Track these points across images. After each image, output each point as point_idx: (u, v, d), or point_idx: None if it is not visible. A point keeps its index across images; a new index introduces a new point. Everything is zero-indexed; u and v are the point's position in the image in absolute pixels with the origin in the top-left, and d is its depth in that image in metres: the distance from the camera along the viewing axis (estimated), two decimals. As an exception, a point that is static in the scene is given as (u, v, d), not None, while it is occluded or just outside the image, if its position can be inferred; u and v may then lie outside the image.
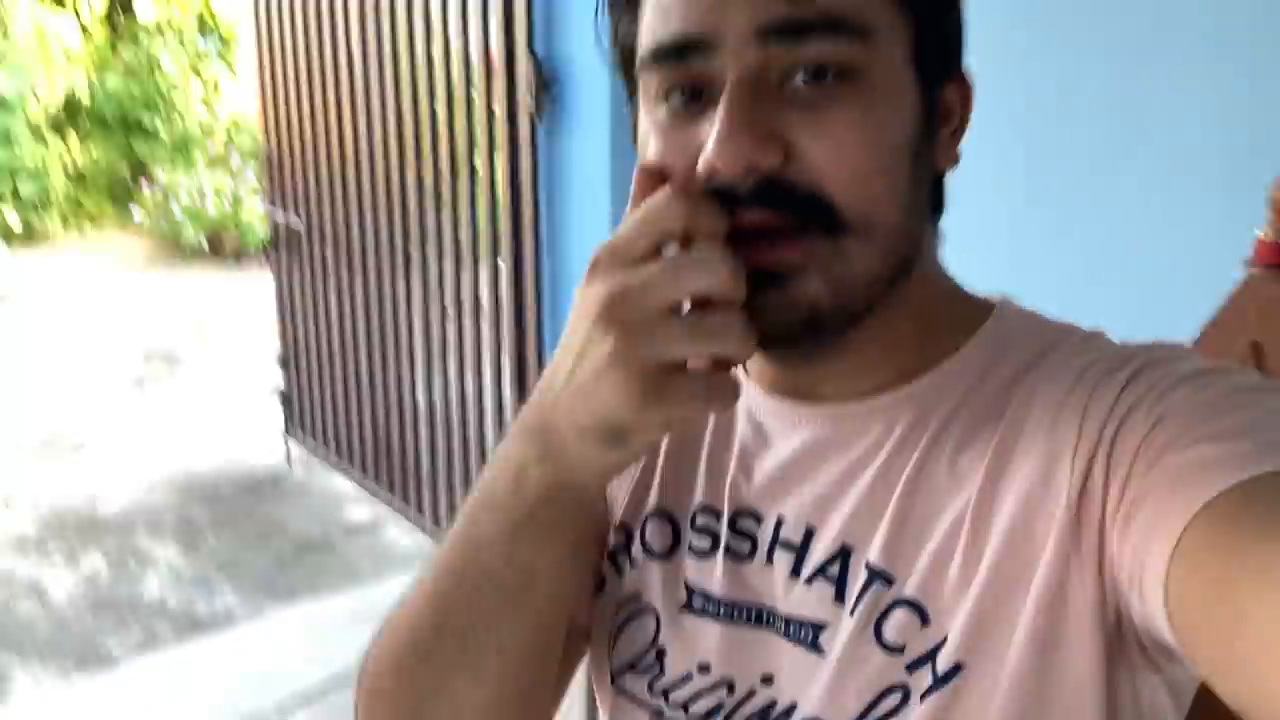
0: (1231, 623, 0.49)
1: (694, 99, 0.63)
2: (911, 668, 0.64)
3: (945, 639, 0.63)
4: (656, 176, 0.64)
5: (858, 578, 0.67)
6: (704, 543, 0.75)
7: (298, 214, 4.14)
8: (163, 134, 9.28)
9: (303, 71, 3.89)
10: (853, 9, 0.61)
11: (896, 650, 0.65)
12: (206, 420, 5.54)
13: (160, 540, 4.27)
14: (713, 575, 0.74)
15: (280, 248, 4.37)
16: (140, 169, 9.28)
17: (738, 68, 0.60)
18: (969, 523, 0.64)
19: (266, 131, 4.27)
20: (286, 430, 4.64)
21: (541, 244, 2.97)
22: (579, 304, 0.62)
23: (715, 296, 0.59)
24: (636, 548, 0.78)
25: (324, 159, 3.88)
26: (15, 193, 8.58)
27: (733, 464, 0.75)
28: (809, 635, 0.69)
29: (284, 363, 4.57)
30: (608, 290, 0.59)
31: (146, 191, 8.90)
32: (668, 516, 0.77)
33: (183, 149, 9.27)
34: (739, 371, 0.75)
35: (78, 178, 9.26)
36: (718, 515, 0.75)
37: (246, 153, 8.63)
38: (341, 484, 4.40)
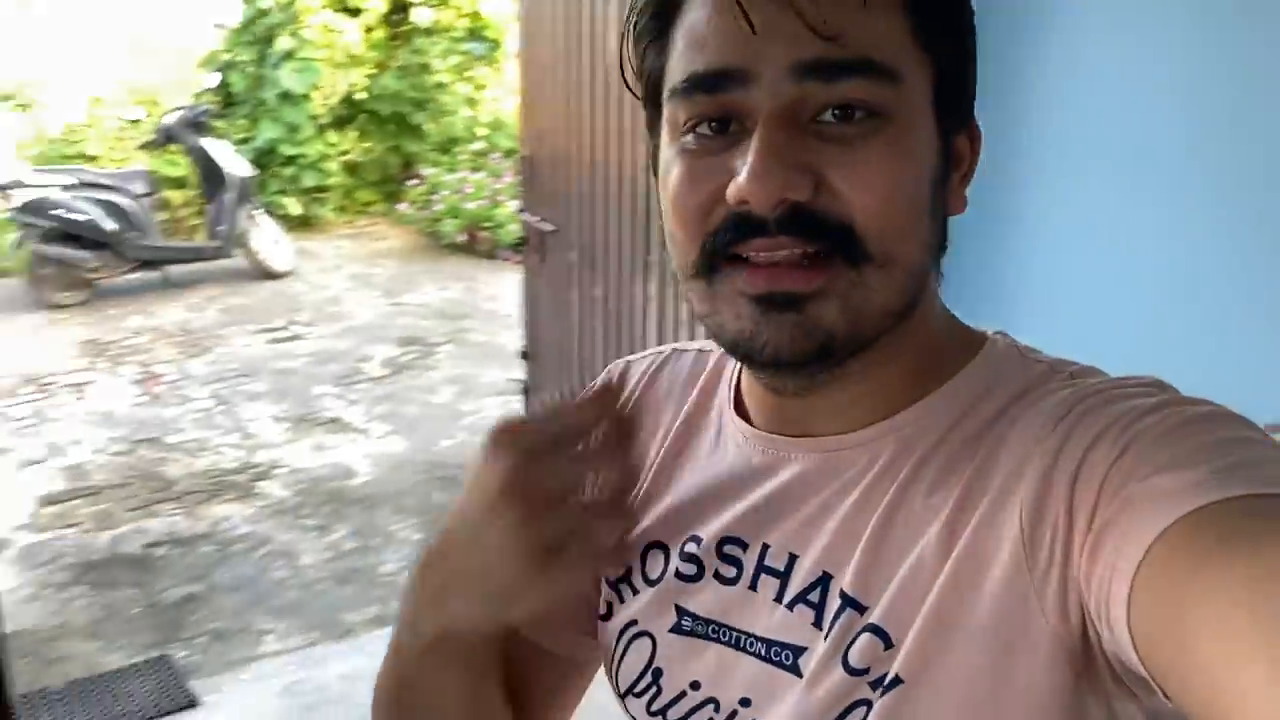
0: (1184, 645, 0.51)
1: (722, 130, 0.65)
2: (875, 685, 0.66)
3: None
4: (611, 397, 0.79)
5: (833, 604, 0.69)
6: (691, 569, 0.78)
7: (548, 218, 4.30)
8: (429, 132, 9.80)
9: (560, 82, 4.04)
10: (885, 53, 0.63)
11: (860, 673, 0.67)
12: (452, 406, 5.83)
13: (403, 518, 4.52)
14: (700, 599, 0.77)
15: (531, 248, 4.55)
16: (407, 164, 9.83)
17: (772, 102, 0.63)
18: (933, 551, 0.66)
19: (524, 139, 4.46)
20: (524, 422, 4.82)
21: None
22: (480, 475, 0.71)
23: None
24: (637, 578, 0.81)
25: (575, 166, 4.02)
26: (296, 182, 9.25)
27: (722, 494, 0.78)
28: (789, 658, 0.71)
29: (526, 356, 4.75)
30: (512, 468, 0.69)
31: (412, 186, 9.42)
32: (661, 546, 0.80)
33: (447, 147, 9.76)
34: (729, 411, 0.80)
35: (352, 170, 9.89)
36: (703, 543, 0.78)
37: (505, 153, 9.00)
38: (572, 479, 4.54)
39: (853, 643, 0.67)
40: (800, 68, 0.62)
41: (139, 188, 7.63)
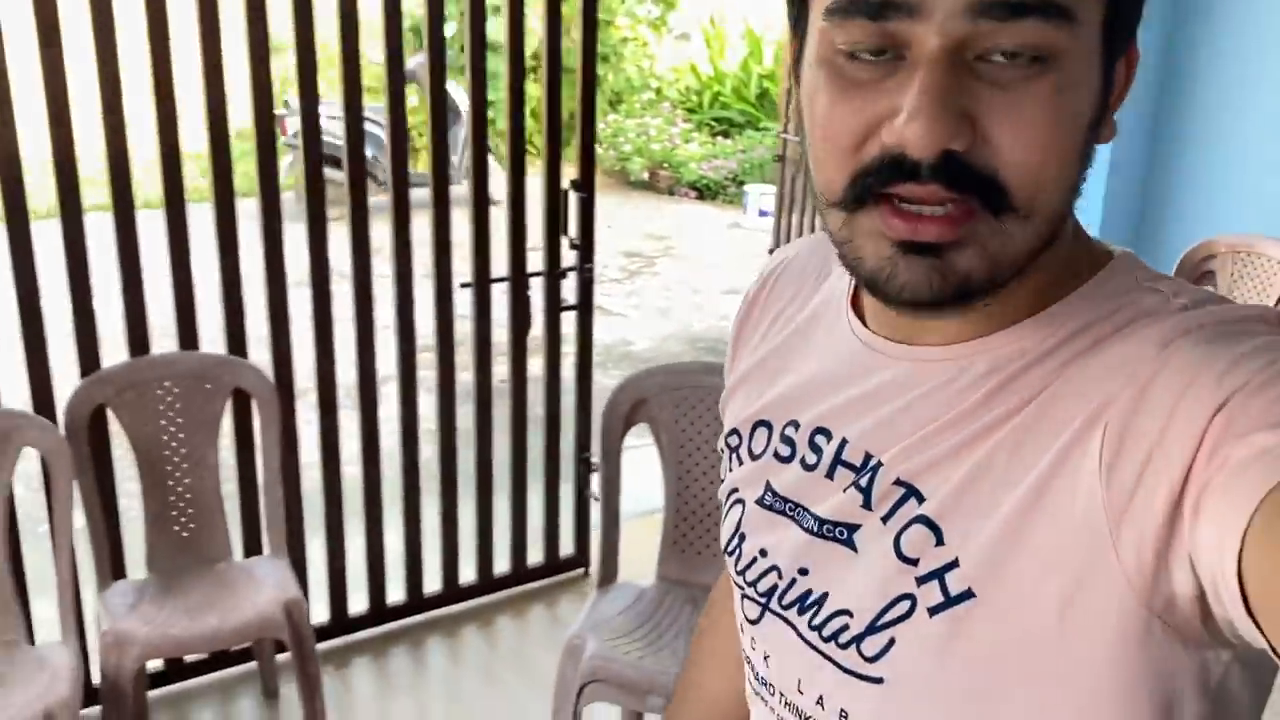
0: None
1: (876, 57, 0.61)
2: (921, 580, 0.68)
3: (956, 561, 0.66)
4: None
5: (890, 490, 0.71)
6: (786, 450, 0.80)
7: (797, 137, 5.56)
8: (611, 81, 11.11)
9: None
10: None
11: (910, 562, 0.68)
12: (689, 299, 7.20)
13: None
14: (784, 478, 0.80)
15: (784, 162, 5.84)
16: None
17: (941, 39, 0.58)
18: (1004, 463, 0.65)
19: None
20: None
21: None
22: None
23: None
24: (744, 450, 0.85)
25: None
26: (494, 124, 10.58)
27: (823, 386, 0.79)
28: (843, 533, 0.73)
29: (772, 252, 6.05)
30: None
31: (601, 128, 10.77)
32: (767, 424, 0.83)
33: (619, 98, 11.06)
34: (846, 306, 0.80)
35: (535, 115, 11.21)
36: (800, 429, 0.80)
37: (673, 103, 10.27)
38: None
39: (905, 529, 0.69)
40: (977, 5, 0.57)
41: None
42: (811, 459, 0.78)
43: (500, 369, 3.21)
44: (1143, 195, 4.04)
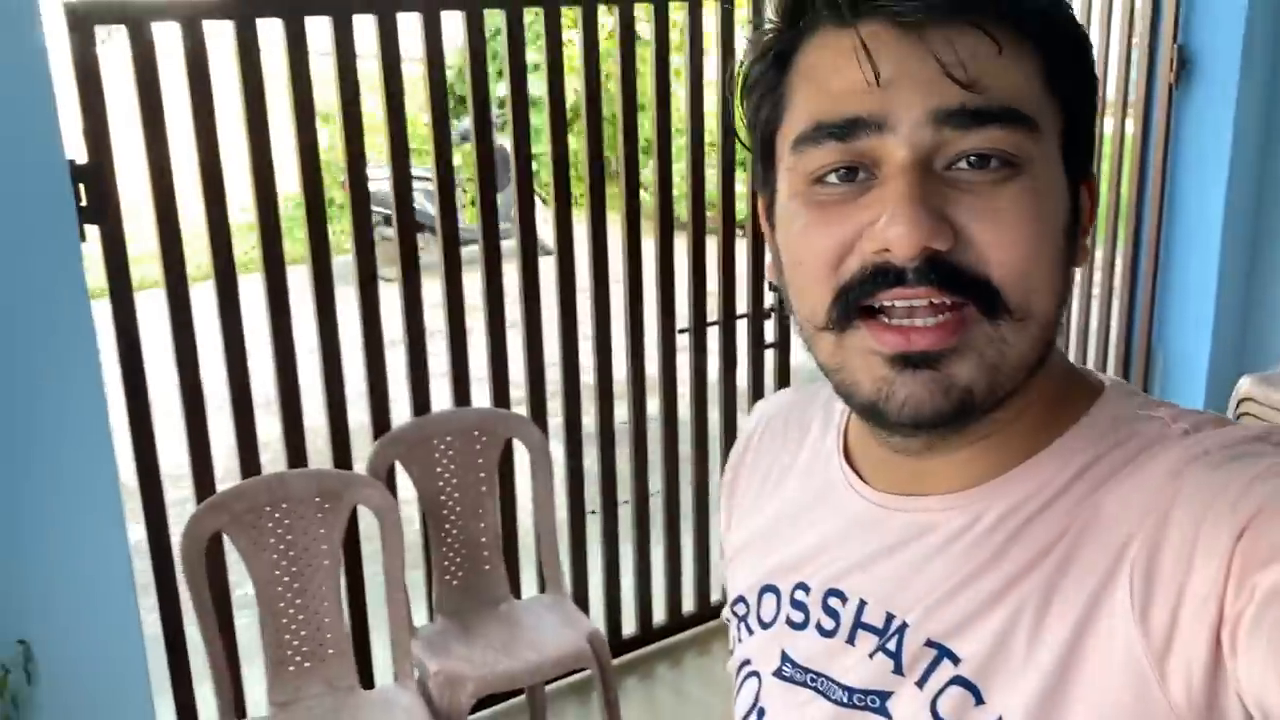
0: None
1: (849, 178, 0.63)
2: None
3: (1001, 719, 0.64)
4: None
5: (922, 652, 0.68)
6: (799, 616, 0.78)
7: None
8: (646, 129, 11.35)
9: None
10: (1024, 99, 0.62)
11: None
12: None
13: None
14: (802, 646, 0.77)
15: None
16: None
17: (910, 150, 0.60)
18: (1034, 613, 0.64)
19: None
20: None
21: (1165, 210, 3.92)
22: None
23: None
24: (753, 619, 0.82)
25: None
26: (537, 177, 10.82)
27: (830, 546, 0.77)
28: (876, 702, 0.71)
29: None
30: None
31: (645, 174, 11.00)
32: (773, 590, 0.81)
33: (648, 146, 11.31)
34: (840, 460, 0.79)
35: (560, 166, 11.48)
36: (810, 592, 0.77)
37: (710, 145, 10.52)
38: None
39: (942, 692, 0.67)
40: (940, 115, 0.60)
41: (445, 179, 9.24)
42: (829, 624, 0.75)
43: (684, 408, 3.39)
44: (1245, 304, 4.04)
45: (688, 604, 3.49)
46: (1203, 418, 0.67)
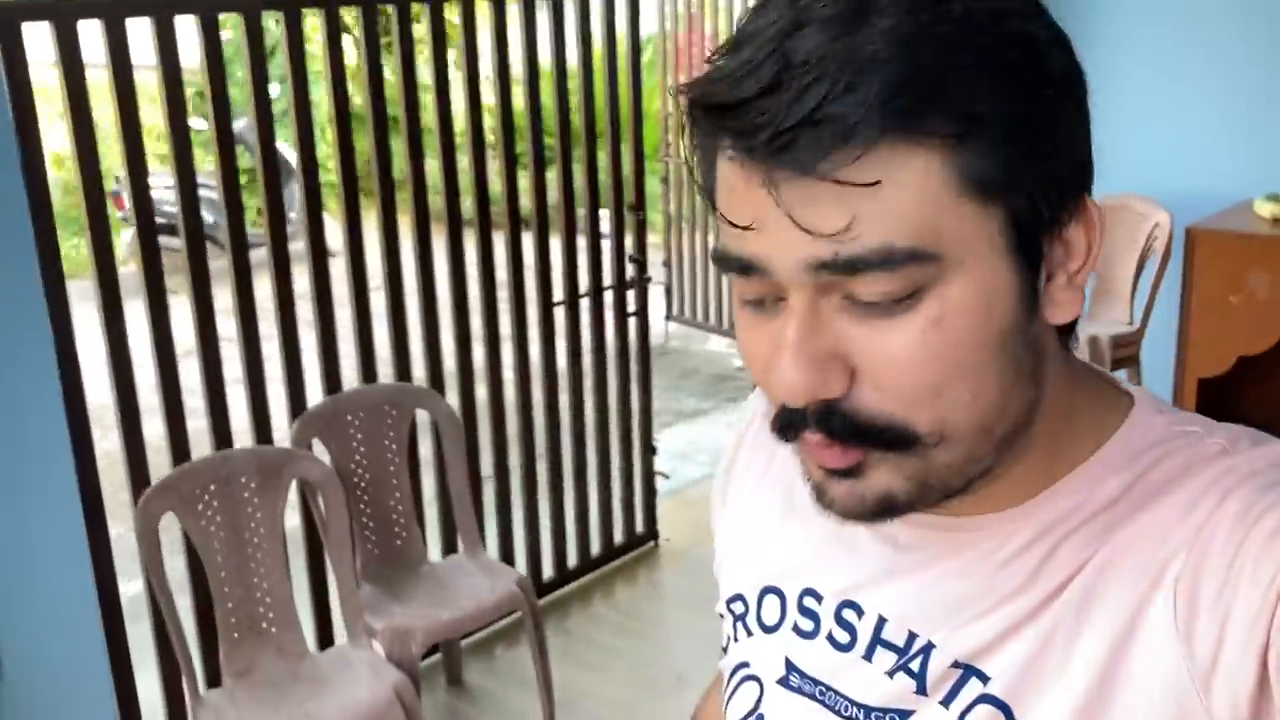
0: None
1: (760, 304, 0.61)
2: None
3: None
4: None
5: (948, 673, 0.67)
6: (808, 624, 0.75)
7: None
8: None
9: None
10: (915, 232, 0.55)
11: None
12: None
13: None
14: (811, 657, 0.74)
15: (668, 185, 6.48)
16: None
17: (796, 294, 0.58)
18: (1069, 624, 0.63)
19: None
20: (667, 316, 6.73)
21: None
22: None
23: None
24: (752, 619, 0.80)
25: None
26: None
27: (843, 552, 0.74)
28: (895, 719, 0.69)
29: (667, 264, 6.67)
30: None
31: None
32: (777, 592, 0.78)
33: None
34: None
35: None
36: (823, 601, 0.75)
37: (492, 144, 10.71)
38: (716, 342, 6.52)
39: (969, 710, 0.66)
40: (814, 265, 0.56)
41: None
42: (843, 637, 0.73)
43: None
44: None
45: (572, 558, 3.78)
46: (1238, 433, 0.65)
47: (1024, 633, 0.65)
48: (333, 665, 2.65)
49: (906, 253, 0.55)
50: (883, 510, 0.63)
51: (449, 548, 3.28)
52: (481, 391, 3.38)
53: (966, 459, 0.62)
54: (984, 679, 0.65)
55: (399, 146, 3.12)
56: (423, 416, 3.12)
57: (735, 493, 0.86)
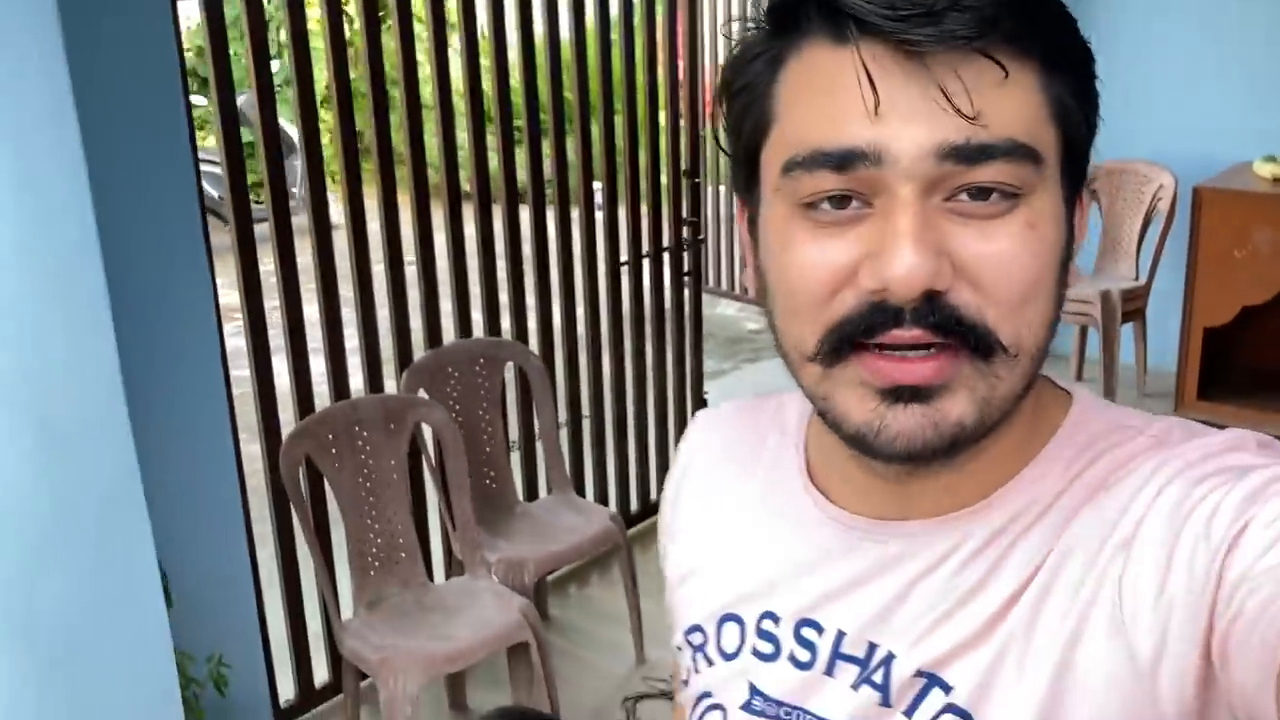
0: None
1: (842, 204, 0.61)
2: None
3: None
4: None
5: (911, 682, 0.68)
6: (768, 647, 0.75)
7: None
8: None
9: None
10: (1028, 132, 0.60)
11: None
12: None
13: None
14: (774, 679, 0.75)
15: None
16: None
17: (911, 184, 0.59)
18: (1024, 629, 0.64)
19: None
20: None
21: None
22: None
23: None
24: (712, 648, 0.79)
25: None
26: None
27: (799, 572, 0.74)
28: None
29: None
30: None
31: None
32: (736, 619, 0.78)
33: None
34: (806, 482, 0.76)
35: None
36: (780, 622, 0.75)
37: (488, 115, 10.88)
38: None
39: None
40: (943, 150, 0.58)
41: (227, 160, 9.15)
42: (804, 655, 0.74)
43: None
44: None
45: (634, 502, 4.03)
46: (1170, 425, 0.68)
47: (983, 640, 0.66)
48: (456, 594, 2.88)
49: (1026, 149, 0.60)
50: (953, 441, 0.63)
51: (531, 491, 3.52)
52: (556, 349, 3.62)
53: (1020, 385, 0.63)
54: (946, 689, 0.66)
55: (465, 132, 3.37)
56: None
57: (683, 521, 0.87)
